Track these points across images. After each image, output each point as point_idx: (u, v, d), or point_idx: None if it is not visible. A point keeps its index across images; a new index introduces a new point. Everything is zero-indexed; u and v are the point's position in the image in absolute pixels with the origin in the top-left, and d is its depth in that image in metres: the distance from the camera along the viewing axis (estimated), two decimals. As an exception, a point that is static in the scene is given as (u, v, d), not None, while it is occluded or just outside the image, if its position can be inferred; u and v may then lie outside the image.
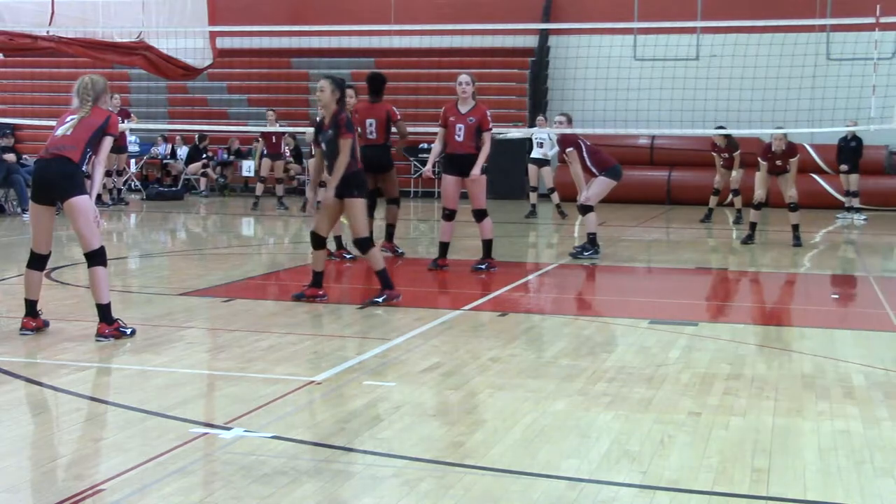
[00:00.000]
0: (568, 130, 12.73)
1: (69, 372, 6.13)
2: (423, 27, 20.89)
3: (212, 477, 4.31)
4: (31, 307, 7.21)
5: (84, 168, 7.01)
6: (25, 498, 4.11)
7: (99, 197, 18.86)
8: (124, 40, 19.13)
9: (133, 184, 22.41)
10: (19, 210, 16.70)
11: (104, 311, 7.01)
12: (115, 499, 4.03)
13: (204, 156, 23.01)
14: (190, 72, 20.43)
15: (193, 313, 8.19)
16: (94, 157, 7.03)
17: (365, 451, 4.68)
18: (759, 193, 13.82)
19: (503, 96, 23.94)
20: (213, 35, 20.67)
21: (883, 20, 14.43)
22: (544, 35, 23.77)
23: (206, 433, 4.88)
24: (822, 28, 20.58)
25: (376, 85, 11.60)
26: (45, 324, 7.33)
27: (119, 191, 19.93)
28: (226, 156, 23.60)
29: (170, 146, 23.62)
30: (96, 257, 6.99)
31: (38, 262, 7.16)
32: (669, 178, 21.74)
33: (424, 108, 21.99)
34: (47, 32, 17.74)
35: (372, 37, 23.86)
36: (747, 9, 20.46)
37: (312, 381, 5.90)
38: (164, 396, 5.74)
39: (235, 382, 5.93)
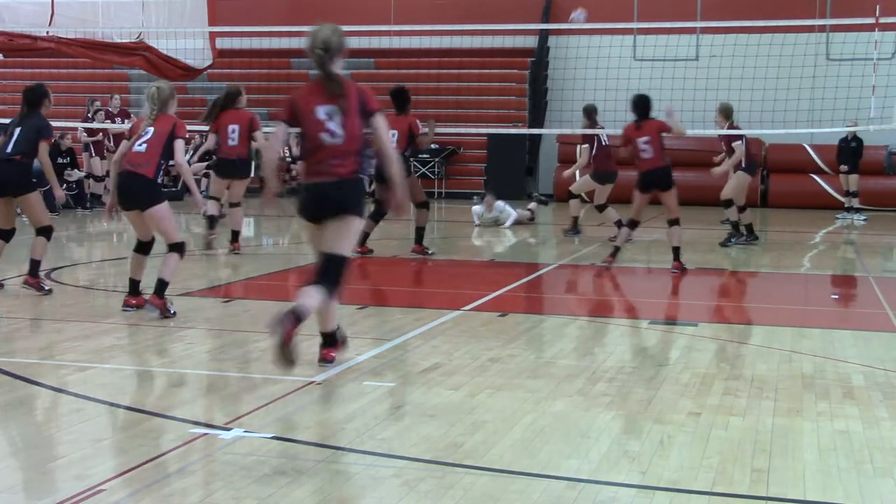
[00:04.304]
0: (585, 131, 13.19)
1: (69, 372, 6.13)
2: (423, 27, 20.88)
3: (212, 477, 4.30)
4: (135, 286, 8.01)
5: (160, 178, 7.79)
6: (25, 498, 4.11)
7: (98, 197, 18.90)
8: (124, 41, 19.15)
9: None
10: (18, 210, 16.65)
11: (162, 287, 7.72)
12: (115, 499, 4.03)
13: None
14: (190, 72, 20.43)
15: (193, 313, 8.18)
16: (167, 164, 7.80)
17: (365, 451, 4.68)
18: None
19: (503, 96, 23.94)
20: (212, 35, 20.67)
21: (883, 20, 14.45)
22: (544, 35, 23.77)
23: (206, 433, 4.88)
24: (822, 28, 20.58)
25: (400, 99, 11.80)
26: (146, 302, 7.93)
27: (119, 191, 19.89)
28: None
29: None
30: (176, 247, 7.85)
31: (142, 247, 8.04)
32: (669, 179, 21.72)
33: (424, 108, 21.97)
34: (47, 33, 17.74)
35: (372, 37, 23.84)
36: (747, 9, 20.46)
37: (312, 381, 5.90)
38: (164, 396, 5.74)
39: (235, 382, 5.93)
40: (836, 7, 20.88)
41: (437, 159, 22.94)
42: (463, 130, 21.04)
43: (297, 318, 5.38)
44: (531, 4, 23.77)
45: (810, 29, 19.97)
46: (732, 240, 13.51)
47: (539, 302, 9.73)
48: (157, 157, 7.68)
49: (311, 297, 5.64)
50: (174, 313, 7.76)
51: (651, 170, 10.83)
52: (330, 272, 5.80)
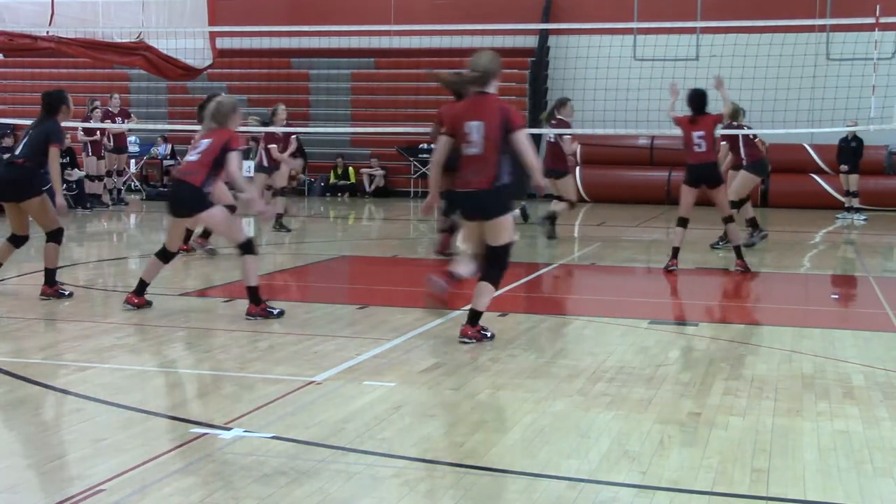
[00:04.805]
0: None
1: (69, 372, 6.13)
2: (423, 27, 20.86)
3: (212, 477, 4.30)
4: (142, 287, 8.13)
5: (208, 188, 7.83)
6: (25, 498, 4.11)
7: (98, 198, 18.92)
8: (124, 40, 19.13)
9: (133, 184, 22.40)
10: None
11: (254, 294, 7.85)
12: (115, 499, 4.03)
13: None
14: (190, 72, 20.42)
15: (193, 313, 8.18)
16: (217, 176, 7.90)
17: (365, 451, 4.67)
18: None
19: (503, 96, 23.71)
20: (212, 35, 20.65)
21: (883, 20, 14.44)
22: (544, 35, 23.75)
23: (206, 433, 4.88)
24: (822, 28, 20.57)
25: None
26: (148, 303, 8.17)
27: (119, 191, 19.92)
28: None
29: (170, 146, 23.59)
30: (245, 248, 7.94)
31: (165, 254, 8.21)
32: (669, 179, 21.69)
33: (424, 108, 22.00)
34: (47, 32, 17.73)
35: (372, 37, 23.85)
36: (747, 9, 20.45)
37: (312, 381, 5.90)
38: (164, 396, 5.74)
39: (235, 382, 5.93)
40: (836, 7, 20.87)
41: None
42: (463, 130, 21.02)
43: (451, 277, 6.95)
44: (531, 4, 23.75)
45: (810, 29, 19.96)
46: (755, 237, 13.24)
47: (539, 302, 9.73)
48: (209, 167, 7.78)
49: (483, 292, 7.05)
50: (280, 312, 7.85)
51: (703, 163, 10.82)
52: (494, 261, 7.09)
